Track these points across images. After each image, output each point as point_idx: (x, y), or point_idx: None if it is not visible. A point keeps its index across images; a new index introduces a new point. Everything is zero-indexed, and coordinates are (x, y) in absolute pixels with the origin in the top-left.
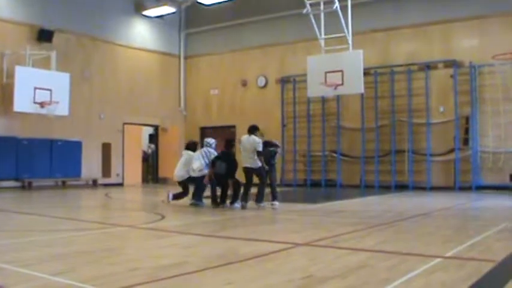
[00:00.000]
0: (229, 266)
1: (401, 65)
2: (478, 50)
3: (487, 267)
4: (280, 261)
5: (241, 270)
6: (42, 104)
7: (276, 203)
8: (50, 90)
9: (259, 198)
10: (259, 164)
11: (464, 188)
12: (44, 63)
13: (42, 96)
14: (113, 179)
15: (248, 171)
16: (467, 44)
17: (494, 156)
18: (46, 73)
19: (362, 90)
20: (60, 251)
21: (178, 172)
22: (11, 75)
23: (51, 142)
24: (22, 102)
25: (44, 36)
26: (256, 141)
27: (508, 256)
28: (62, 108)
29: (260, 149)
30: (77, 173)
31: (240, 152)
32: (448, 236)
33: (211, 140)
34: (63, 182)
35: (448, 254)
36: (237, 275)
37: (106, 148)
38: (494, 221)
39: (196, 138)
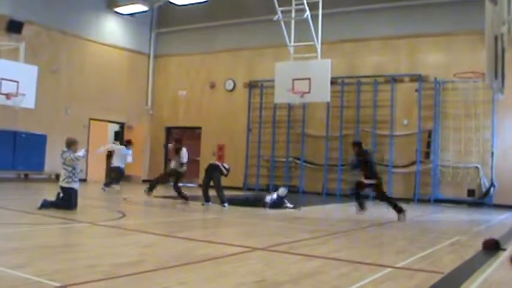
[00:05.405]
0: (184, 266)
1: (368, 76)
2: (443, 66)
3: (434, 279)
4: (236, 265)
5: (196, 271)
6: (8, 96)
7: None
8: (17, 82)
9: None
10: None
11: (423, 201)
12: (12, 55)
13: (9, 87)
14: None
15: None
16: (432, 59)
17: (453, 171)
18: (14, 64)
19: (328, 99)
20: (18, 244)
21: None
22: None
23: (15, 134)
24: None
25: (14, 27)
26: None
27: (456, 269)
28: (28, 101)
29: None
30: (40, 167)
31: None
32: (401, 246)
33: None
34: (26, 175)
35: (399, 265)
36: (191, 275)
37: None
38: (448, 234)
39: (162, 138)
